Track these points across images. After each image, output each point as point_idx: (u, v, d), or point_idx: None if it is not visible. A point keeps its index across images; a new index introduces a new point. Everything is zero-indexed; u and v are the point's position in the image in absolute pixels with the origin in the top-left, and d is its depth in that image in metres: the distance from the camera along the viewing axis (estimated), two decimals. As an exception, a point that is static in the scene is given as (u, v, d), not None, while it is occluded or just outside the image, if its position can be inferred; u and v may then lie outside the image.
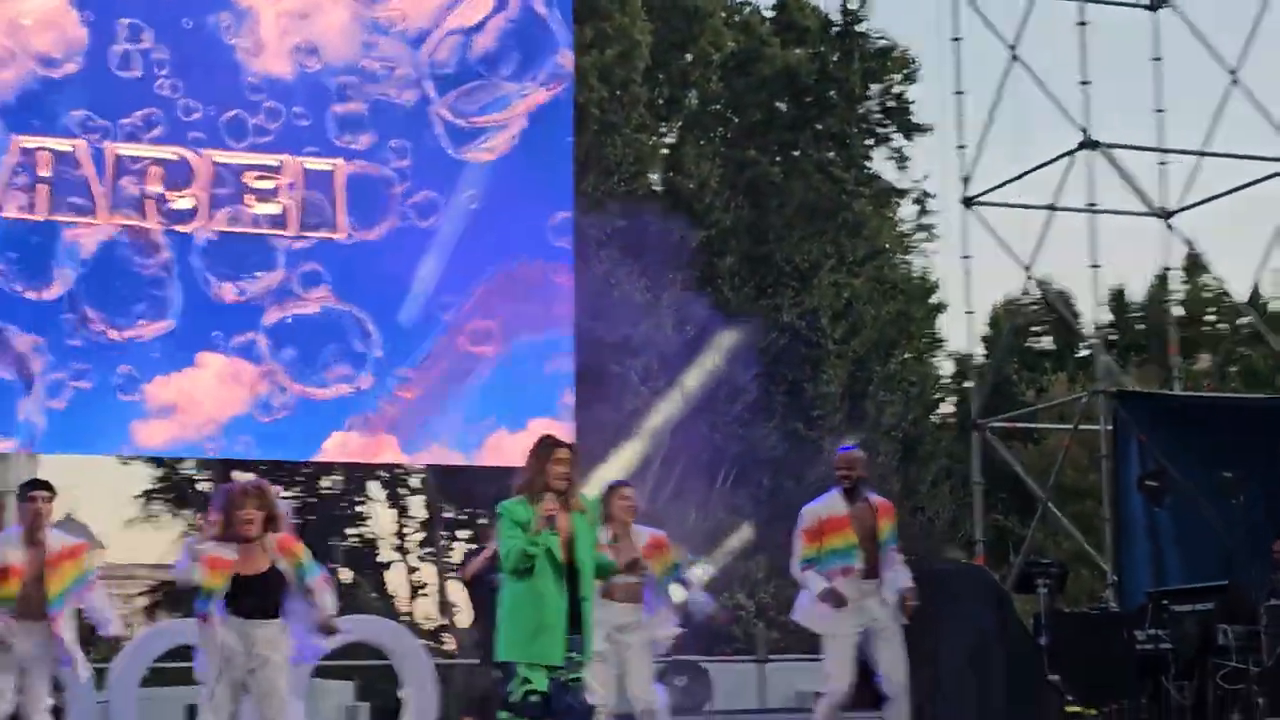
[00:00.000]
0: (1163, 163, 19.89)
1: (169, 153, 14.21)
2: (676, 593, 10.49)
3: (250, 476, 9.37)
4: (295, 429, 14.54)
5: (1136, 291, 38.23)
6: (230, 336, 14.34)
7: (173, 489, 33.58)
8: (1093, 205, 18.14)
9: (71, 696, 9.86)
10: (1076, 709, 14.34)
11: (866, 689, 10.64)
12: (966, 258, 19.37)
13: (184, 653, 16.69)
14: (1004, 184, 19.47)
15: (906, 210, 34.75)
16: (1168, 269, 20.98)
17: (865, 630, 10.27)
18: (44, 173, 13.88)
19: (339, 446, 14.82)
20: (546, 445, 8.38)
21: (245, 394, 14.38)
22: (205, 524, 9.39)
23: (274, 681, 8.98)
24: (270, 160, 14.47)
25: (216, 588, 8.91)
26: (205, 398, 14.27)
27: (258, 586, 8.94)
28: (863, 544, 10.29)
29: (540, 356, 15.12)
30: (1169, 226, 19.86)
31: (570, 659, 8.15)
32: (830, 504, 10.42)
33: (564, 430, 13.60)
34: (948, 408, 37.84)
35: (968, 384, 21.20)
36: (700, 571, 10.93)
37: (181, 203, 14.22)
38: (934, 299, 36.38)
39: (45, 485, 9.83)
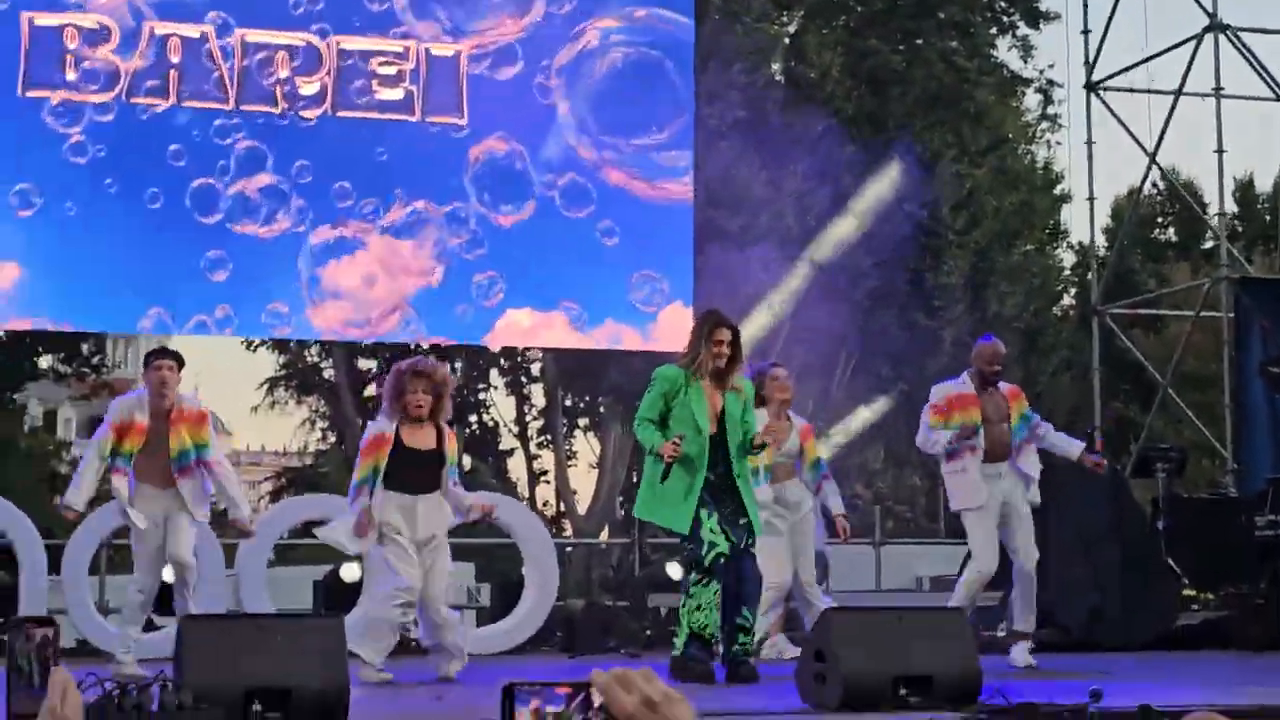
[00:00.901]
0: (1292, 47, 19.62)
1: (296, 39, 14.42)
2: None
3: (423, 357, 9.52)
4: (465, 312, 14.85)
5: (1264, 182, 37.69)
6: (395, 222, 14.65)
7: (296, 375, 34.03)
8: (1219, 90, 17.90)
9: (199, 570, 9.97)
10: (1193, 593, 14.40)
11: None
12: (1090, 143, 19.23)
13: (312, 531, 17.01)
14: (1128, 68, 19.28)
15: (1030, 100, 34.36)
16: (1296, 156, 20.67)
17: (1000, 511, 10.35)
18: (174, 58, 14.12)
19: (510, 326, 15.07)
20: (709, 322, 8.56)
21: (413, 279, 14.67)
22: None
23: (439, 556, 9.18)
24: (395, 46, 14.64)
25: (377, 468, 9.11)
26: (373, 282, 14.59)
27: (422, 460, 9.12)
28: (990, 426, 10.37)
29: (659, 245, 15.31)
30: (1297, 113, 19.62)
31: (740, 526, 8.36)
32: (960, 385, 10.51)
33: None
34: (1069, 300, 37.59)
35: (1090, 275, 21.07)
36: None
37: (308, 89, 14.44)
38: (1057, 190, 36.06)
39: (171, 353, 9.93)
